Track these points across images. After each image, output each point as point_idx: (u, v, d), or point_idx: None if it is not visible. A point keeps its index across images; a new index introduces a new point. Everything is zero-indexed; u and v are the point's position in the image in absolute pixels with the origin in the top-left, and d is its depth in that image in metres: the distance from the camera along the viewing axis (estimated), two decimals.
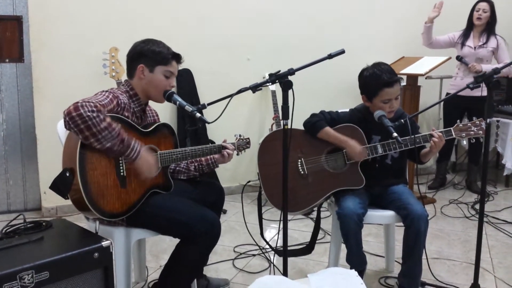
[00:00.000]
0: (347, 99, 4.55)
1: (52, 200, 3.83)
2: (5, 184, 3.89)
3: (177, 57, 2.28)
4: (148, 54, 2.20)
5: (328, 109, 2.66)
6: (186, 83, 4.14)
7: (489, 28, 4.33)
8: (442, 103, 4.56)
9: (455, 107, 4.42)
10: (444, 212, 4.01)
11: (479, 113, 4.18)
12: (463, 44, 4.36)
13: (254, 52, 4.36)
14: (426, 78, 4.46)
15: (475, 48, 4.33)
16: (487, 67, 4.22)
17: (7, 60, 3.74)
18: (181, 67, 3.54)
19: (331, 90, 4.60)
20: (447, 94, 4.52)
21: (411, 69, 4.06)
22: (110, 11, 3.84)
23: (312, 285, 1.96)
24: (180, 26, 4.07)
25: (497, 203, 4.28)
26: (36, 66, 3.70)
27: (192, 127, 4.09)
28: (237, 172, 4.43)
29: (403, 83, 4.17)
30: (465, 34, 4.38)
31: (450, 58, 4.20)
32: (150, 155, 2.12)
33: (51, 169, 3.76)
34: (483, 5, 4.28)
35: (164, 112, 3.96)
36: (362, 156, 2.47)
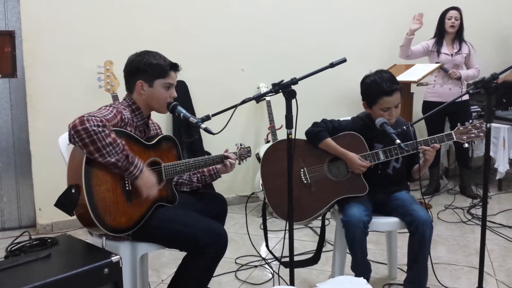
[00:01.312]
0: (340, 107, 4.62)
1: (47, 217, 3.78)
2: None
3: (175, 67, 2.25)
4: (145, 69, 2.18)
5: (322, 118, 2.68)
6: (181, 95, 4.13)
7: (459, 35, 4.45)
8: (422, 110, 4.60)
9: (437, 113, 4.46)
10: (441, 217, 4.04)
11: (460, 117, 4.27)
12: (439, 52, 4.43)
13: (248, 62, 4.37)
14: (417, 85, 4.51)
15: (452, 55, 4.42)
16: (464, 73, 4.40)
17: None
18: None
19: (323, 99, 4.62)
20: (425, 102, 4.56)
21: (403, 77, 4.11)
22: (104, 24, 3.82)
23: None
24: (174, 38, 4.06)
25: (492, 207, 4.32)
26: (29, 81, 3.66)
27: (188, 139, 4.08)
28: (234, 183, 4.42)
29: None
30: (438, 42, 4.46)
31: (442, 64, 4.28)
32: (152, 174, 2.10)
33: (46, 185, 3.76)
34: (455, 13, 4.38)
35: (160, 124, 3.93)
36: (362, 168, 2.47)
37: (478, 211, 4.18)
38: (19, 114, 3.78)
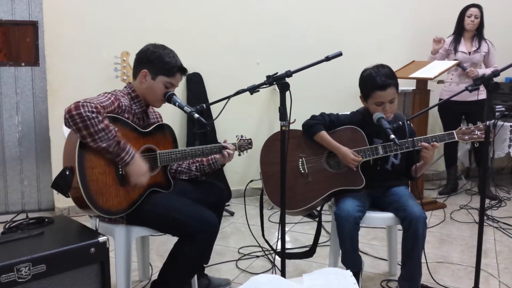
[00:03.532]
0: (356, 103, 4.58)
1: (65, 201, 3.89)
2: (20, 184, 4.01)
3: (182, 70, 2.32)
4: (154, 62, 2.25)
5: (336, 113, 2.68)
6: (196, 87, 4.20)
7: (479, 32, 4.35)
8: (438, 108, 4.54)
9: (452, 113, 4.42)
10: (453, 217, 3.97)
11: (477, 117, 4.16)
12: (456, 50, 4.35)
13: (264, 56, 4.40)
14: (438, 83, 4.44)
15: (469, 53, 4.32)
16: (482, 72, 4.27)
17: (23, 64, 3.87)
18: (191, 70, 3.55)
19: (341, 95, 4.59)
20: (440, 100, 4.47)
21: (420, 73, 4.04)
22: (122, 16, 3.94)
23: (305, 284, 1.98)
24: (190, 30, 4.14)
25: (510, 209, 4.22)
26: (50, 70, 3.81)
27: (200, 130, 4.14)
28: (247, 175, 4.46)
29: (412, 87, 4.16)
30: (456, 39, 4.37)
31: (459, 62, 4.19)
32: (144, 163, 2.15)
33: None
34: (475, 11, 4.28)
35: (174, 115, 4.02)
36: (354, 163, 2.47)
37: (494, 213, 4.08)
38: (40, 102, 3.95)
